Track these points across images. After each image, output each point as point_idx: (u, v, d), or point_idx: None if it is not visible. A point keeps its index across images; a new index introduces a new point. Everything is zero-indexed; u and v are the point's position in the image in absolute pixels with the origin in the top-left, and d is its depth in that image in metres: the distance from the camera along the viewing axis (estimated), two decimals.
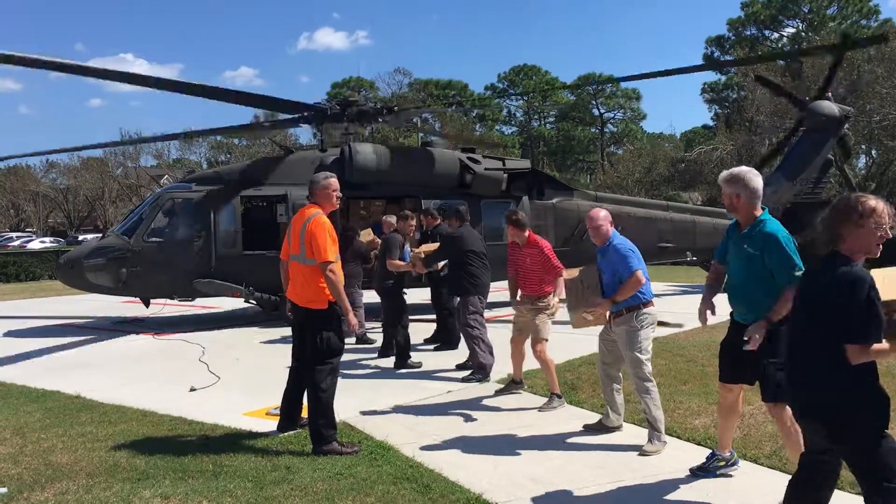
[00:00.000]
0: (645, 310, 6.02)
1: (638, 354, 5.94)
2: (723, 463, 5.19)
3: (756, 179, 4.78)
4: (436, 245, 9.95)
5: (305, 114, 15.38)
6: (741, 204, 4.76)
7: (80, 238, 42.12)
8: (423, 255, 9.70)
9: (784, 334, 4.56)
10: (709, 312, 5.08)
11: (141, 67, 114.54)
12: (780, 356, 4.54)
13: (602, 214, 6.30)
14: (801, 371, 3.58)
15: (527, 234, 7.67)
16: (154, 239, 13.38)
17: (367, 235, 12.04)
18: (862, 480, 3.49)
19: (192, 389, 8.25)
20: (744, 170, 4.87)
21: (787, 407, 4.63)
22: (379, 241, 10.64)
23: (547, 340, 7.44)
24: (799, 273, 4.48)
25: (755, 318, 4.66)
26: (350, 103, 15.16)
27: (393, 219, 11.10)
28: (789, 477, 4.69)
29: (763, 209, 4.79)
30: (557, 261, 7.54)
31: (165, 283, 13.43)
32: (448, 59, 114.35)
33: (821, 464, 3.69)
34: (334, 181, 6.26)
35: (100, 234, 20.45)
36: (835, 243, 3.54)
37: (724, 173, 4.94)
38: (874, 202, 3.52)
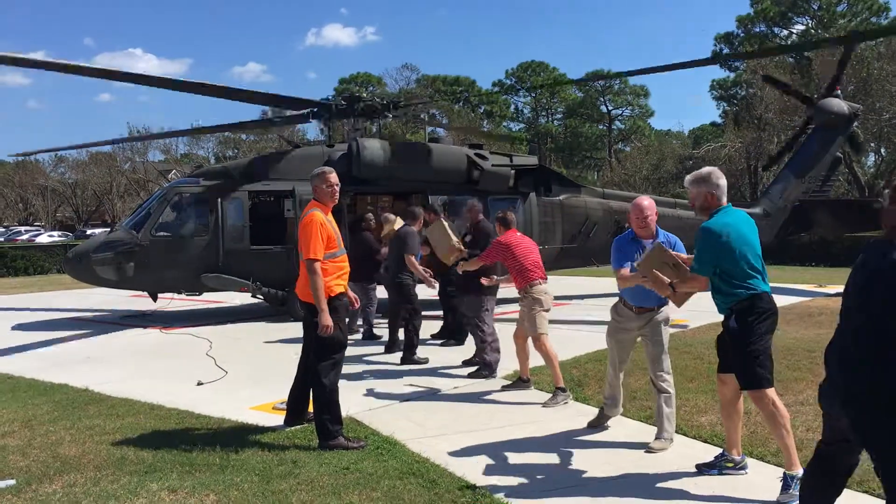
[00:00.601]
0: (667, 307, 6.03)
1: (666, 349, 5.97)
2: (731, 464, 5.18)
3: (719, 179, 5.01)
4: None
5: (313, 110, 15.41)
6: (705, 202, 5.00)
7: (89, 232, 42.28)
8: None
9: (752, 324, 4.76)
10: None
11: (149, 62, 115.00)
12: (753, 346, 4.73)
13: (649, 203, 6.08)
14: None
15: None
16: (162, 233, 13.43)
17: (390, 226, 11.39)
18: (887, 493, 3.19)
19: (200, 383, 8.28)
20: (709, 170, 5.10)
21: (769, 391, 4.73)
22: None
23: (545, 334, 7.43)
24: (696, 267, 4.88)
25: (721, 308, 4.93)
26: (357, 99, 15.17)
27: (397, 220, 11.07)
28: (783, 467, 4.74)
29: (726, 206, 4.98)
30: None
31: (173, 278, 13.48)
32: (456, 55, 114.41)
33: (842, 453, 3.58)
34: (332, 176, 6.20)
35: (108, 229, 20.52)
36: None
37: (691, 175, 5.17)
38: None
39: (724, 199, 4.99)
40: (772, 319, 4.86)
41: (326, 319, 5.86)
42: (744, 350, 4.76)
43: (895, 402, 3.06)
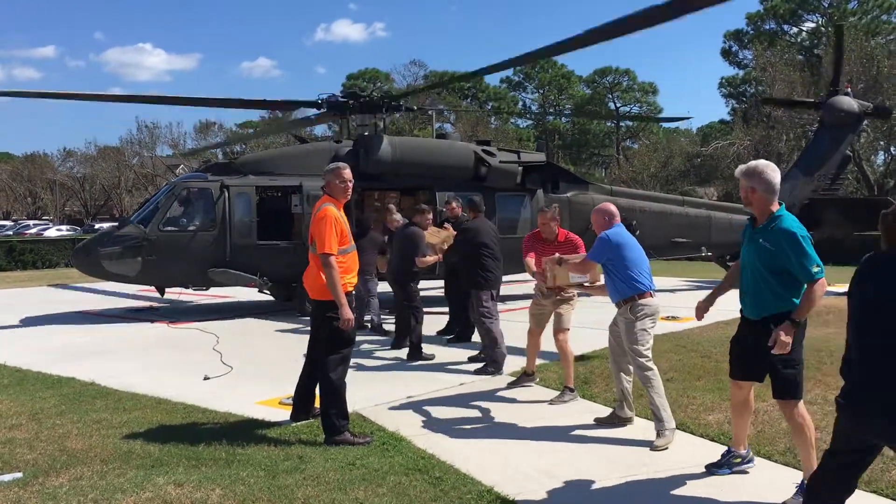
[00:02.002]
0: (641, 301, 6.00)
1: (635, 346, 5.94)
2: (738, 460, 5.16)
3: (773, 173, 4.69)
4: (445, 232, 10.05)
5: (321, 109, 15.42)
6: (756, 198, 4.69)
7: (97, 226, 42.38)
8: (442, 243, 9.87)
9: (801, 333, 4.56)
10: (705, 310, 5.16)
11: (159, 57, 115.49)
12: (794, 354, 4.55)
13: (609, 207, 6.40)
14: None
15: (556, 230, 7.79)
16: (170, 228, 13.46)
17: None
18: None
19: (206, 378, 8.29)
20: (762, 163, 4.77)
21: (799, 403, 4.62)
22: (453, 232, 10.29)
23: (568, 330, 7.43)
24: (818, 270, 4.44)
25: (759, 314, 4.67)
26: (363, 95, 15.16)
27: (398, 216, 11.08)
28: (802, 474, 4.70)
29: (780, 204, 4.70)
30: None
31: (180, 272, 13.51)
32: (464, 51, 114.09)
33: (858, 461, 3.60)
34: (346, 171, 6.22)
35: (116, 223, 20.56)
36: None
37: (742, 166, 4.87)
38: None
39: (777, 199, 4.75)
40: (806, 328, 4.69)
41: (347, 313, 5.90)
42: (784, 358, 4.54)
43: None
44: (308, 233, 6.19)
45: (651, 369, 5.93)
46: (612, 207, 6.40)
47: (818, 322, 10.71)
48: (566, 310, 7.42)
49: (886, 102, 31.98)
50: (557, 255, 7.02)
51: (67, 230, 48.85)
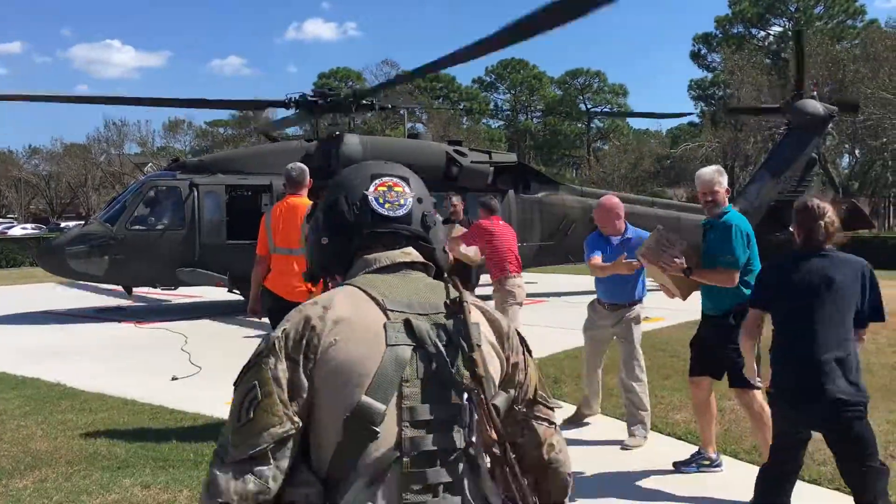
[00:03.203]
0: (639, 305, 6.06)
1: (638, 347, 6.00)
2: (707, 462, 5.23)
3: (723, 176, 5.00)
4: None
5: (295, 109, 15.36)
6: (721, 199, 4.94)
7: (63, 225, 41.79)
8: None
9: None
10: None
11: (127, 54, 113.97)
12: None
13: (618, 202, 6.23)
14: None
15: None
16: (137, 227, 13.31)
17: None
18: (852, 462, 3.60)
19: (174, 378, 8.20)
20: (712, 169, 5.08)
21: (756, 393, 4.73)
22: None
23: (518, 326, 7.45)
24: (731, 261, 4.71)
25: (717, 310, 4.86)
26: (334, 94, 15.11)
27: None
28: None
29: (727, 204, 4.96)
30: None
31: (148, 272, 13.37)
32: (437, 51, 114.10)
33: (798, 448, 3.77)
34: (305, 172, 6.29)
35: (82, 222, 20.30)
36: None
37: (709, 170, 5.08)
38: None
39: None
40: None
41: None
42: (736, 349, 4.59)
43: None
44: (286, 235, 6.08)
45: (644, 372, 6.00)
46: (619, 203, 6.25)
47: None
48: (510, 307, 7.50)
49: None
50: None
51: (32, 229, 48.10)
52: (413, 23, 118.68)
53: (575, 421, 6.40)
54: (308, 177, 6.21)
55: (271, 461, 1.46)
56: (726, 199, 4.98)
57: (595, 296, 6.27)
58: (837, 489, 4.63)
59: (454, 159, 14.77)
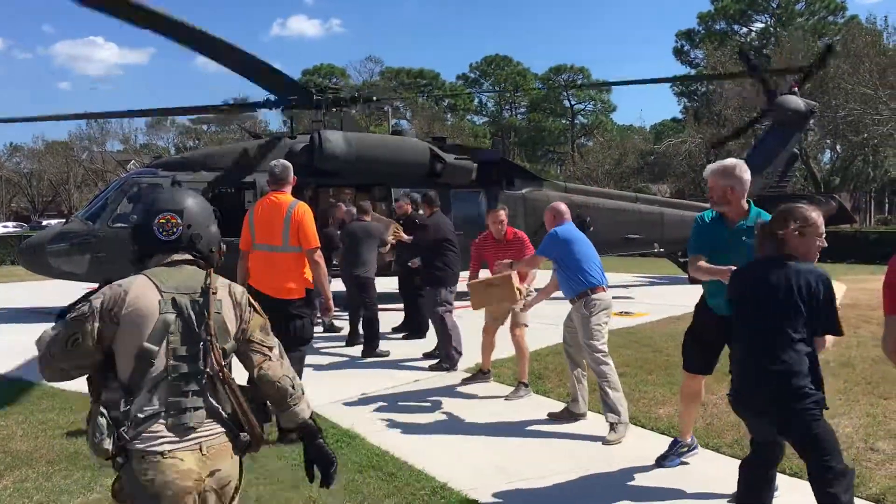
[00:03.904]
0: (594, 296, 6.05)
1: (591, 341, 5.99)
2: (685, 449, 5.27)
3: (747, 172, 4.74)
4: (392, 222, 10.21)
5: (289, 98, 15.27)
6: (735, 197, 4.70)
7: (44, 223, 41.45)
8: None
9: None
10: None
11: (111, 51, 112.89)
12: None
13: (561, 206, 6.60)
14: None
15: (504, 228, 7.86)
16: (119, 224, 13.20)
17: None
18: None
19: None
20: (736, 162, 4.79)
21: None
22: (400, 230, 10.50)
23: (526, 326, 7.48)
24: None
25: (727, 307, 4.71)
26: (324, 90, 15.06)
27: (352, 209, 11.03)
28: None
29: (749, 201, 4.78)
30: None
31: (130, 270, 13.23)
32: (422, 48, 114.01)
33: (773, 442, 3.82)
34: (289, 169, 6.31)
35: (64, 220, 20.14)
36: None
37: (714, 166, 4.85)
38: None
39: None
40: None
41: (332, 304, 6.43)
42: None
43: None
44: (267, 230, 6.07)
45: (607, 364, 5.99)
46: (563, 206, 6.52)
47: None
48: (522, 306, 7.47)
49: (833, 102, 32.82)
50: (509, 260, 7.10)
51: (14, 227, 47.70)
52: (398, 19, 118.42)
53: (563, 418, 6.41)
54: (291, 173, 6.21)
55: (75, 370, 2.58)
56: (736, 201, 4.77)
57: None
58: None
59: (438, 156, 14.76)
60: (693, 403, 5.24)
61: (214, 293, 2.59)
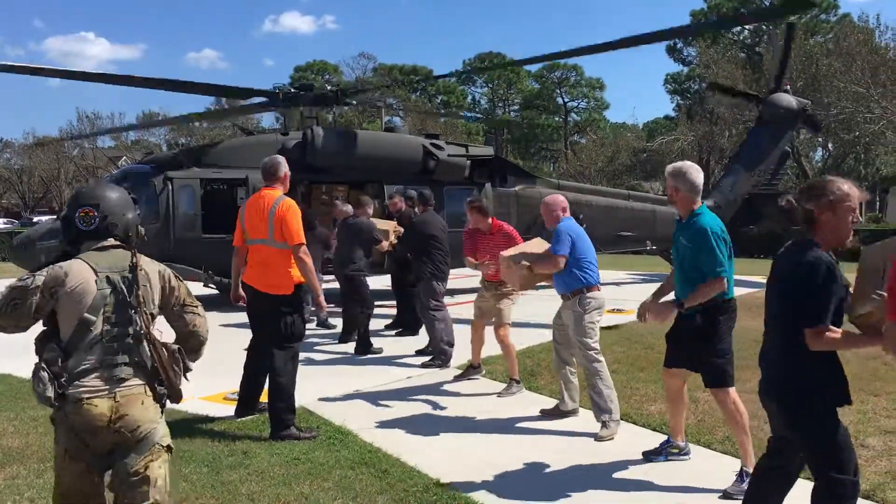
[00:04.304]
0: (589, 294, 6.06)
1: (584, 338, 6.00)
2: (676, 450, 5.29)
3: (696, 174, 4.91)
4: (387, 223, 10.11)
5: (269, 98, 15.26)
6: (680, 197, 4.92)
7: (35, 220, 41.27)
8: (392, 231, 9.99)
9: (722, 323, 4.80)
10: (650, 315, 5.00)
11: (102, 47, 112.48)
12: (721, 344, 4.79)
13: (560, 199, 6.42)
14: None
15: (490, 220, 7.73)
16: None
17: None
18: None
19: None
20: (686, 164, 5.04)
21: (730, 390, 4.81)
22: (400, 229, 10.37)
23: (510, 325, 7.48)
24: (720, 270, 4.69)
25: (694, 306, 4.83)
26: (312, 87, 15.04)
27: (348, 207, 11.02)
28: (740, 461, 4.83)
29: (701, 203, 4.91)
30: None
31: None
32: (415, 44, 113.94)
33: (787, 443, 3.63)
34: (286, 163, 6.27)
35: (55, 216, 20.06)
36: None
37: (669, 166, 5.11)
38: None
39: (699, 199, 4.93)
40: (735, 319, 4.95)
41: (323, 300, 6.21)
42: (712, 348, 4.80)
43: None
44: (255, 226, 6.07)
45: (600, 361, 6.01)
46: (563, 199, 6.43)
47: (758, 314, 10.86)
48: (506, 305, 7.47)
49: (825, 100, 32.90)
50: (517, 251, 6.63)
51: (4, 223, 47.48)
52: (392, 16, 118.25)
53: (553, 414, 6.42)
54: (282, 169, 6.17)
55: (11, 328, 3.11)
56: (687, 202, 4.92)
57: None
58: (808, 478, 4.68)
59: (431, 153, 14.75)
60: (677, 403, 5.28)
61: (141, 270, 3.15)
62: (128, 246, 3.22)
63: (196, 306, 3.39)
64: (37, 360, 3.04)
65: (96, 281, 3.07)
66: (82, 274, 3.07)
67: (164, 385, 3.18)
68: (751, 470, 4.40)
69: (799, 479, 4.69)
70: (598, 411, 5.91)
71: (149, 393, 3.13)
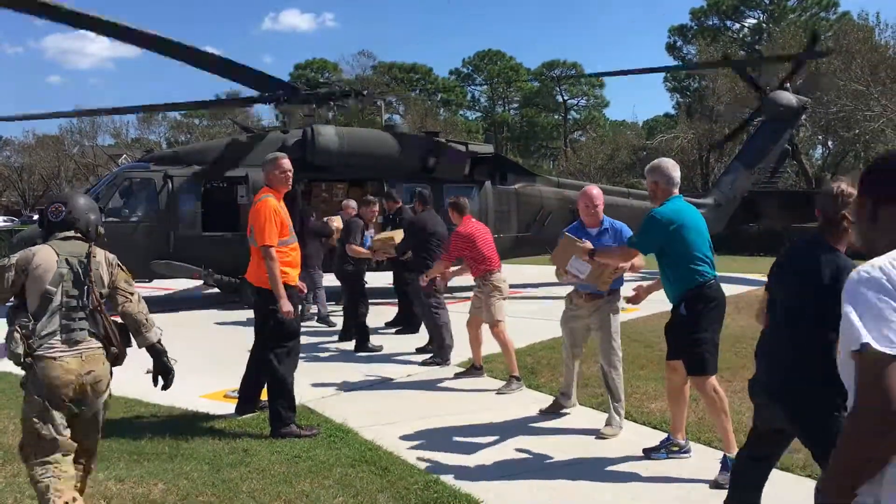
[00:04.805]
0: (616, 295, 6.09)
1: (617, 337, 6.03)
2: (676, 448, 5.30)
3: (673, 169, 5.12)
4: (392, 233, 9.94)
5: (278, 92, 15.25)
6: (660, 190, 5.11)
7: (35, 217, 41.27)
8: (388, 242, 9.72)
9: (702, 313, 4.88)
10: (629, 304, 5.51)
11: (102, 43, 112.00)
12: (701, 333, 4.85)
13: (598, 192, 6.18)
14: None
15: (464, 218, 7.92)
16: (111, 219, 13.15)
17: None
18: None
19: (149, 371, 8.11)
20: (663, 160, 5.23)
21: (710, 378, 4.89)
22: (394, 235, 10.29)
23: (503, 321, 7.48)
24: (634, 241, 5.23)
25: (671, 298, 5.05)
26: (318, 84, 15.03)
27: (353, 203, 11.05)
28: (723, 450, 4.85)
29: (677, 194, 5.11)
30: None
31: (124, 260, 13.22)
32: (414, 43, 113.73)
33: (770, 435, 3.71)
34: (285, 161, 6.13)
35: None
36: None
37: (647, 165, 5.30)
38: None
39: (675, 190, 5.12)
40: (719, 309, 4.99)
41: (286, 305, 5.81)
42: (691, 337, 4.87)
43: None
44: (251, 225, 6.10)
45: (620, 359, 6.05)
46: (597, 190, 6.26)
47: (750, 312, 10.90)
48: (496, 302, 7.48)
49: (824, 98, 32.87)
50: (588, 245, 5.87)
51: (5, 221, 47.46)
52: (391, 14, 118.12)
53: (552, 411, 6.43)
54: (274, 166, 6.11)
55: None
56: (662, 194, 5.10)
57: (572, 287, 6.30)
58: (809, 476, 4.69)
59: (430, 151, 14.74)
60: (678, 400, 5.31)
61: (94, 257, 3.93)
62: (87, 239, 3.99)
63: (130, 293, 4.05)
64: (9, 325, 3.75)
65: (57, 262, 3.81)
66: (47, 256, 3.82)
67: (115, 347, 3.94)
68: (733, 456, 4.42)
69: (798, 476, 4.75)
70: (610, 412, 5.91)
71: (105, 354, 3.91)
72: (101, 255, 3.99)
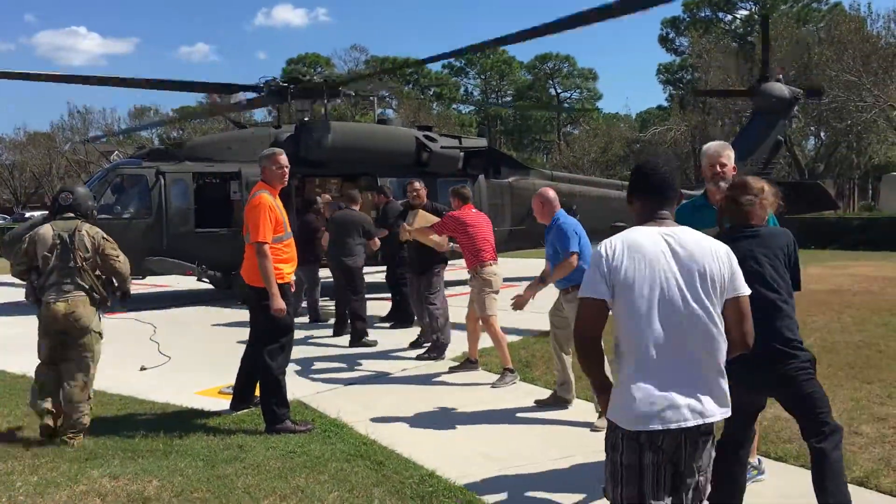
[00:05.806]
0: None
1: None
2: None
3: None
4: (428, 215, 9.78)
5: (262, 93, 15.22)
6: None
7: (27, 215, 41.11)
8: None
9: None
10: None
11: (94, 41, 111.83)
12: None
13: (552, 194, 6.48)
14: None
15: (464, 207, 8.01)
16: (103, 216, 13.08)
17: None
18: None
19: (143, 369, 8.12)
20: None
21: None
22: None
23: (494, 315, 7.47)
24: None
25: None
26: (304, 80, 14.99)
27: (328, 197, 11.00)
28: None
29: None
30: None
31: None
32: (407, 37, 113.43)
33: (750, 423, 3.90)
34: (282, 157, 6.09)
35: (47, 211, 19.98)
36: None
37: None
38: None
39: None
40: None
41: (279, 303, 5.77)
42: None
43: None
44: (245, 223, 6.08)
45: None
46: (553, 193, 6.46)
47: None
48: (488, 295, 7.48)
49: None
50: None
51: None
52: (384, 8, 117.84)
53: (550, 404, 6.43)
54: (269, 161, 6.08)
55: (18, 266, 5.79)
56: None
57: None
58: (803, 466, 4.70)
59: (424, 145, 14.73)
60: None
61: (80, 231, 5.56)
62: (86, 218, 5.73)
63: (116, 255, 5.71)
64: (27, 282, 5.66)
65: (53, 236, 5.54)
66: (46, 231, 5.58)
67: (97, 295, 5.62)
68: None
69: (794, 467, 4.76)
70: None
71: (88, 300, 5.57)
72: (85, 228, 5.62)
